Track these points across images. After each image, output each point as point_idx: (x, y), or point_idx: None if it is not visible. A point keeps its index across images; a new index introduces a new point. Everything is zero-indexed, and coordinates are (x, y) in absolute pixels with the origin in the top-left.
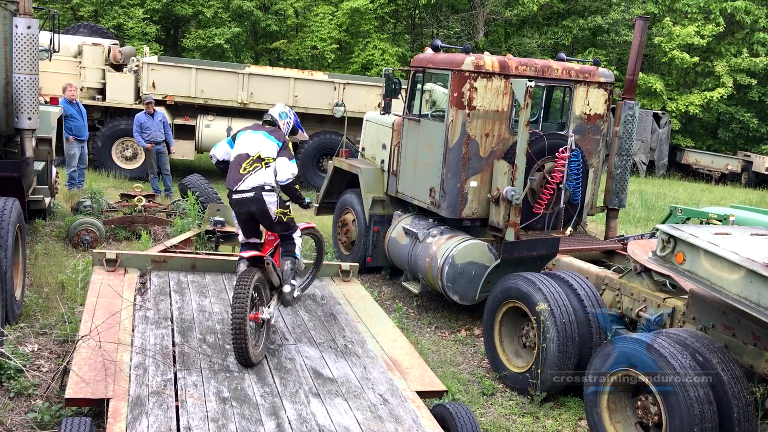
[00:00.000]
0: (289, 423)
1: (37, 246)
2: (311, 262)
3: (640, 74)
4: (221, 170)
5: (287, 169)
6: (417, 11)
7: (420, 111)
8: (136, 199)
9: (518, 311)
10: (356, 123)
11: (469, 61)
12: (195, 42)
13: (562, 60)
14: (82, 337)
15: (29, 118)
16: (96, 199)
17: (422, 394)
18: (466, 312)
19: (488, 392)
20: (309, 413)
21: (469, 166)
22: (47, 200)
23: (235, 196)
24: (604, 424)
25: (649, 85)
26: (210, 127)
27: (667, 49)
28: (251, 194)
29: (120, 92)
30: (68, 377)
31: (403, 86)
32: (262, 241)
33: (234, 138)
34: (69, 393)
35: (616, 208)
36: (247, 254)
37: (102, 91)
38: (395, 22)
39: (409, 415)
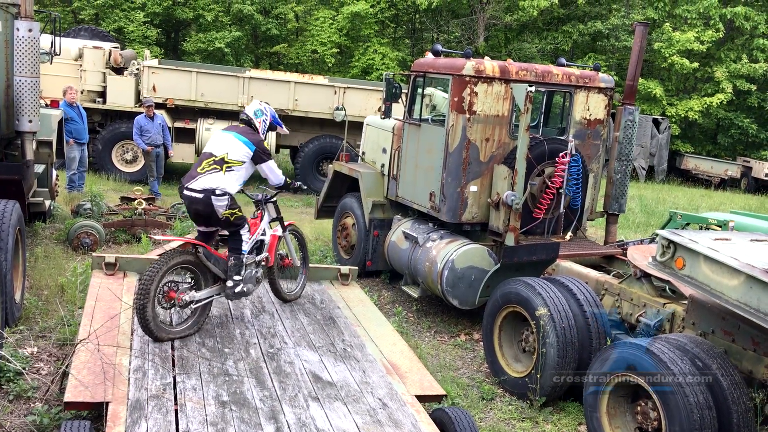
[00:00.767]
0: (289, 427)
1: (37, 249)
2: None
3: (640, 79)
4: None
5: (276, 172)
6: (417, 16)
7: (420, 115)
8: (136, 202)
9: (518, 316)
10: (356, 127)
11: (469, 66)
12: (195, 45)
13: (563, 65)
14: (81, 340)
15: (30, 121)
16: (96, 202)
17: (421, 399)
18: (465, 316)
19: (488, 397)
20: (308, 417)
21: (469, 170)
22: (47, 203)
23: (185, 192)
24: (604, 428)
25: (649, 90)
26: (210, 131)
27: (667, 55)
28: (200, 196)
29: (120, 95)
30: (67, 380)
31: (403, 90)
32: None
33: None
34: (68, 396)
35: (616, 213)
36: (176, 243)
37: (102, 95)
38: (395, 27)
39: (408, 419)
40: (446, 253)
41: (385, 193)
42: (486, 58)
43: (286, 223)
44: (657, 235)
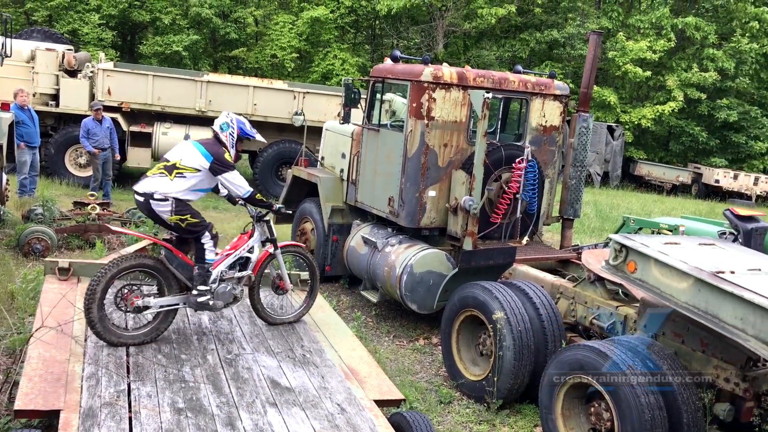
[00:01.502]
0: None
1: None
2: (303, 284)
3: (595, 87)
4: None
5: (237, 183)
6: (377, 22)
7: (379, 121)
8: (89, 207)
9: (475, 320)
10: (316, 132)
11: (428, 72)
12: (152, 49)
13: (519, 72)
14: (31, 347)
15: None
16: (48, 207)
17: (380, 403)
18: (424, 321)
19: (445, 400)
20: (265, 423)
21: (427, 175)
22: None
23: (134, 194)
24: (559, 430)
25: (603, 98)
26: (167, 135)
27: (621, 63)
28: (141, 199)
29: (74, 98)
30: (17, 389)
31: (362, 96)
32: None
33: None
34: (18, 404)
35: (571, 218)
36: (133, 248)
37: (55, 97)
38: (355, 33)
39: (366, 424)
40: (405, 257)
41: (344, 198)
42: (444, 64)
43: (284, 244)
44: (610, 239)
